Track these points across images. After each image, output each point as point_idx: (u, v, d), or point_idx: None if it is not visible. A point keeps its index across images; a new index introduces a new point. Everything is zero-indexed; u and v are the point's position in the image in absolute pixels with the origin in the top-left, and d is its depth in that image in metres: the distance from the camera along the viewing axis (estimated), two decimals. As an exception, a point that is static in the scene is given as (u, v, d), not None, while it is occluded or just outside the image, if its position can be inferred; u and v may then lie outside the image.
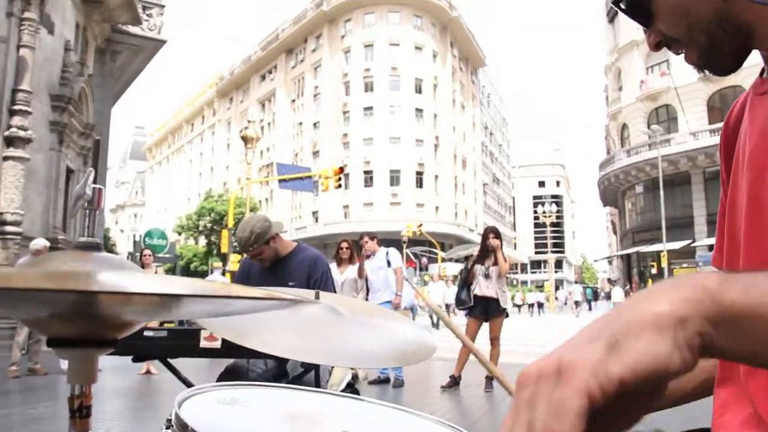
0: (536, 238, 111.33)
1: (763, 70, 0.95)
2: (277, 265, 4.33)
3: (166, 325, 4.22)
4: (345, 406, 1.33)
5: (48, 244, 9.90)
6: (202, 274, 54.77)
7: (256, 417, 1.16)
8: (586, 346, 0.49)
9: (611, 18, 45.04)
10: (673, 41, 0.93)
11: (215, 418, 1.10)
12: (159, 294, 0.79)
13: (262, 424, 1.16)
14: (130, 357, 4.16)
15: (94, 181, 1.00)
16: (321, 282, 4.23)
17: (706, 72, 0.94)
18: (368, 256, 8.69)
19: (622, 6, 0.93)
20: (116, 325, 0.89)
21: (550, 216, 63.85)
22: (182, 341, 4.21)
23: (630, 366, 0.47)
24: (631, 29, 41.46)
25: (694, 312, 0.50)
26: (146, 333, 4.32)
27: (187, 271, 56.54)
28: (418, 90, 65.01)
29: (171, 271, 31.04)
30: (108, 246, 48.99)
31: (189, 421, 0.96)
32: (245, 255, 4.57)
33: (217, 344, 4.03)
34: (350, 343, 1.53)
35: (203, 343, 4.15)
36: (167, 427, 1.04)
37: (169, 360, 4.36)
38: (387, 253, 8.82)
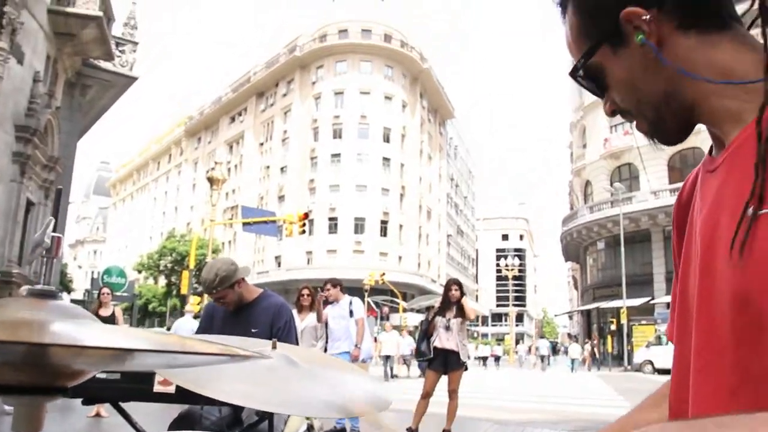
0: (498, 291, 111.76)
1: (711, 148, 0.98)
2: (241, 311, 4.27)
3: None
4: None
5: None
6: (160, 315, 53.94)
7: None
8: None
9: (578, 78, 46.18)
10: (626, 111, 1.00)
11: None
12: (113, 348, 0.76)
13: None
14: (80, 399, 4.04)
15: (54, 229, 0.98)
16: (284, 331, 4.18)
17: (655, 141, 1.01)
18: (330, 302, 8.61)
19: (579, 78, 1.01)
20: (67, 374, 0.86)
21: (512, 269, 64.21)
22: (135, 384, 4.11)
23: None
24: (596, 90, 42.56)
25: None
26: (98, 375, 4.21)
27: (146, 311, 55.62)
28: (387, 139, 65.51)
29: (129, 311, 30.46)
30: (65, 282, 48.01)
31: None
32: (208, 298, 4.53)
33: (171, 389, 3.93)
34: (304, 392, 1.55)
35: (157, 388, 4.05)
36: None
37: (120, 404, 4.25)
38: (351, 303, 8.74)
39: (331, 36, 67.42)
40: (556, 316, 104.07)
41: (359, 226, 62.04)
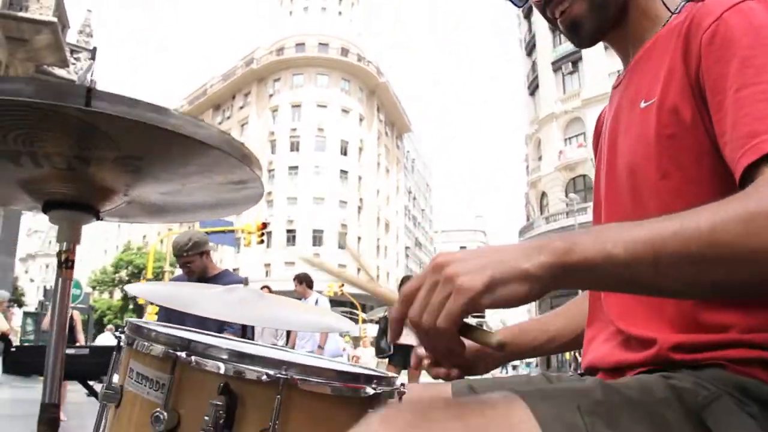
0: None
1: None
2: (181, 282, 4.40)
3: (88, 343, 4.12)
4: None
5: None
6: (117, 328, 52.97)
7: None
8: (476, 275, 0.76)
9: (532, 91, 46.93)
10: None
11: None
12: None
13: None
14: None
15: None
16: None
17: (574, 34, 1.17)
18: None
19: None
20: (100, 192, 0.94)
21: (470, 280, 64.53)
22: (105, 359, 4.07)
23: (495, 300, 0.76)
24: (549, 102, 43.29)
25: (548, 273, 0.76)
26: (67, 351, 4.16)
27: (101, 324, 54.62)
28: (344, 152, 65.63)
29: (84, 323, 29.84)
30: (17, 295, 46.85)
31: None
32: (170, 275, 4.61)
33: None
34: (273, 313, 1.70)
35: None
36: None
37: (89, 383, 4.22)
38: (317, 301, 8.56)
39: (288, 49, 67.46)
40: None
41: (317, 239, 61.90)
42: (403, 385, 1.16)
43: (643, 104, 1.04)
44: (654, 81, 1.03)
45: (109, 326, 30.80)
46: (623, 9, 1.14)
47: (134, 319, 1.13)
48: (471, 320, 0.87)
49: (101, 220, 1.08)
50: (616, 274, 0.77)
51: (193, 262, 4.38)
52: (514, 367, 49.33)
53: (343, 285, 44.37)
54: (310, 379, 1.01)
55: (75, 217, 1.05)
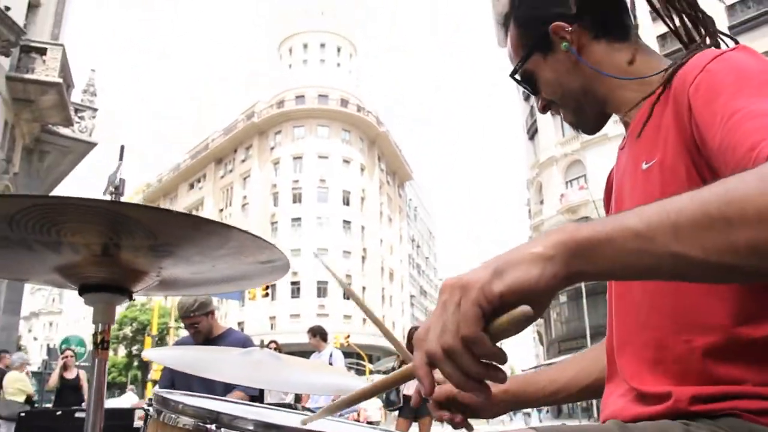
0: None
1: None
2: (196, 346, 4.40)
3: (109, 403, 4.15)
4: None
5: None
6: (121, 386, 52.35)
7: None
8: (480, 271, 0.74)
9: (531, 135, 47.29)
10: (552, 104, 1.33)
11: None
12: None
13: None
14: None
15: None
16: None
17: (579, 131, 1.36)
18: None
19: (517, 78, 1.33)
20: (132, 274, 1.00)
21: (476, 327, 64.06)
22: (115, 422, 4.09)
23: (507, 285, 0.72)
24: (549, 145, 43.58)
25: (560, 250, 0.74)
26: (77, 415, 4.18)
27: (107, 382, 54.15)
28: (346, 202, 65.81)
29: (89, 381, 29.57)
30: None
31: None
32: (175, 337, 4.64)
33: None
34: (289, 376, 1.72)
35: (137, 423, 4.04)
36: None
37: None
38: (331, 355, 8.50)
39: (288, 102, 68.18)
40: (523, 371, 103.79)
41: (322, 290, 61.65)
42: None
43: (644, 166, 1.10)
44: (651, 144, 1.10)
45: (131, 386, 30.62)
46: (600, 101, 1.28)
47: (161, 390, 1.16)
48: None
49: (132, 300, 1.13)
50: (634, 248, 0.73)
51: (199, 322, 4.39)
52: (527, 414, 48.76)
53: (348, 336, 44.11)
54: None
55: (109, 299, 1.10)
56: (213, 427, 1.02)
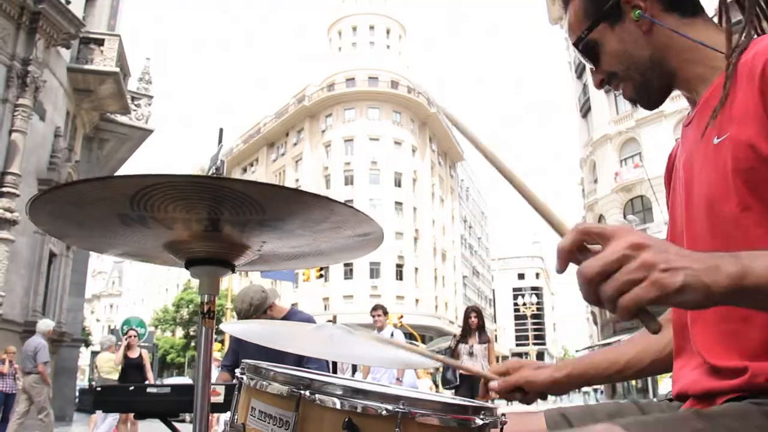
0: (517, 330, 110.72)
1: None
2: (271, 320, 4.44)
3: (169, 381, 4.24)
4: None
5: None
6: (179, 366, 53.57)
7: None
8: (674, 276, 0.80)
9: (584, 113, 46.50)
10: (614, 78, 1.30)
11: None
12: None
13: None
14: (132, 415, 4.15)
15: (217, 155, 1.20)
16: None
17: (638, 105, 1.33)
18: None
19: (579, 48, 1.31)
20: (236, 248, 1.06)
21: (530, 308, 63.83)
22: (183, 397, 4.20)
23: (676, 303, 0.82)
24: (603, 123, 42.80)
25: (721, 293, 0.81)
26: (149, 390, 4.32)
27: (164, 362, 55.38)
28: (398, 184, 65.75)
29: (150, 362, 30.38)
30: (84, 334, 48.10)
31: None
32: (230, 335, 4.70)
33: (220, 399, 4.03)
34: (363, 350, 1.74)
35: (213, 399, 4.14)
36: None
37: (170, 420, 4.33)
38: (392, 334, 8.60)
39: (338, 84, 68.23)
40: (577, 351, 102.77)
41: (375, 271, 61.91)
42: (504, 415, 1.22)
43: (716, 140, 1.10)
44: (726, 118, 1.09)
45: (215, 356, 31.21)
46: (668, 74, 1.26)
47: (251, 361, 1.22)
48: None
49: (234, 272, 1.19)
50: None
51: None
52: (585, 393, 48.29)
53: (402, 317, 44.28)
54: (425, 411, 1.07)
55: (214, 272, 1.16)
56: (307, 392, 1.07)
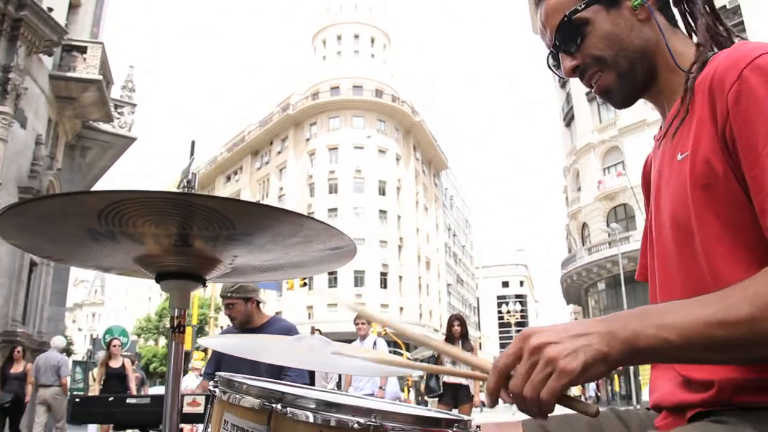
0: (501, 338, 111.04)
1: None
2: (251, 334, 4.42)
3: (149, 391, 4.24)
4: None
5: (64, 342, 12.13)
6: (162, 375, 53.13)
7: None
8: (573, 359, 0.92)
9: (568, 122, 46.80)
10: (594, 65, 1.24)
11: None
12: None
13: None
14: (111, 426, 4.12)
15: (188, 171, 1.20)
16: None
17: (607, 103, 1.30)
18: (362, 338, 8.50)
19: (565, 25, 1.24)
20: (207, 262, 1.05)
21: (514, 315, 63.96)
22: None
23: (585, 380, 0.94)
24: (586, 132, 43.08)
25: (621, 356, 0.94)
26: (129, 401, 4.29)
27: (147, 372, 54.95)
28: (382, 192, 65.81)
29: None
30: (66, 345, 47.73)
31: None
32: (222, 304, 4.69)
33: (200, 409, 4.01)
34: (338, 360, 1.76)
35: (186, 409, 4.11)
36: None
37: (150, 431, 4.30)
38: (375, 343, 8.59)
39: (323, 93, 68.25)
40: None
41: (359, 279, 61.87)
42: (478, 427, 1.21)
43: (679, 156, 1.12)
44: (686, 135, 1.11)
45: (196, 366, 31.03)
46: (651, 71, 1.24)
47: (224, 373, 1.21)
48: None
49: (206, 286, 1.19)
50: (674, 356, 0.97)
51: (234, 305, 4.38)
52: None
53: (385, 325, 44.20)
54: (397, 425, 1.07)
55: (185, 285, 1.17)
56: (279, 406, 1.07)
